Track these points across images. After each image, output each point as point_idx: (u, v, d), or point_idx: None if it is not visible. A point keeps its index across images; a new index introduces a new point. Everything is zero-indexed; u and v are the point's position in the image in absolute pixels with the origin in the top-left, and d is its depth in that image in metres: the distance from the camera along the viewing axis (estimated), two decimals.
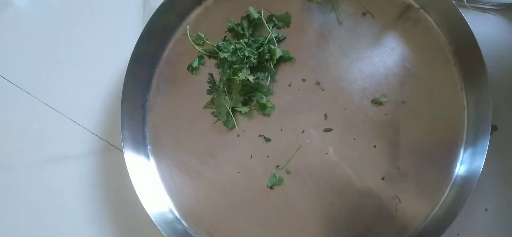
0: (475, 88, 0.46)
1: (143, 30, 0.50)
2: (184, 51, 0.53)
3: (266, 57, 0.49)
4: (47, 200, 0.53)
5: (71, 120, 0.55)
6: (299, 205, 0.47)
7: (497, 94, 0.47)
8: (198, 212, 0.49)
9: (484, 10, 0.50)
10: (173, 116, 0.52)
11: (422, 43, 0.49)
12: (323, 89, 0.49)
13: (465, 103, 0.47)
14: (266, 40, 0.50)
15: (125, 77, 0.50)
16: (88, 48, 0.57)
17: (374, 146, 0.48)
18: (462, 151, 0.47)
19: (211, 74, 0.51)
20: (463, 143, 0.47)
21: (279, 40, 0.51)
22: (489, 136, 0.43)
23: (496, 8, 0.50)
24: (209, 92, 0.51)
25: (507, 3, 0.50)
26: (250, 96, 0.50)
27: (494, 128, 0.48)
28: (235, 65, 0.48)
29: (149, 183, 0.49)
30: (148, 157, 0.51)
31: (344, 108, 0.49)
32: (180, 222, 0.49)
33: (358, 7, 0.51)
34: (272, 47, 0.49)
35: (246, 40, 0.50)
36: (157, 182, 0.50)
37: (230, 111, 0.49)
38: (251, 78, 0.48)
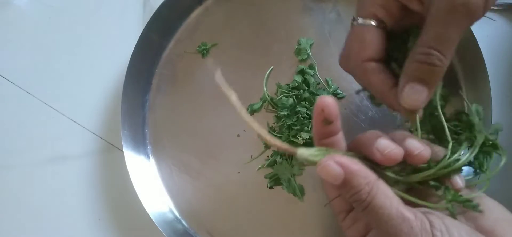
0: (475, 88, 0.46)
1: (143, 30, 0.51)
2: (184, 51, 0.53)
3: None
4: (47, 200, 0.53)
5: (71, 119, 0.55)
6: (299, 205, 0.47)
7: (497, 94, 0.47)
8: (198, 212, 0.49)
9: None
10: (173, 116, 0.52)
11: None
12: (323, 89, 0.49)
13: (465, 103, 0.47)
14: (330, 95, 0.46)
15: (125, 77, 0.50)
16: (88, 48, 0.57)
17: None
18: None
19: (271, 128, 0.48)
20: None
21: (339, 97, 0.48)
22: None
23: (497, 8, 0.50)
24: (267, 146, 0.48)
25: (507, 4, 0.50)
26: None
27: None
28: (296, 127, 0.45)
29: (149, 183, 0.49)
30: (148, 157, 0.51)
31: (344, 109, 0.49)
32: (180, 222, 0.49)
33: None
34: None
35: (304, 94, 0.47)
36: (157, 182, 0.50)
37: (292, 179, 0.46)
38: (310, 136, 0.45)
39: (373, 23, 0.34)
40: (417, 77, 0.31)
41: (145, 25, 0.51)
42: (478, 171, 0.34)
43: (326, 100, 0.30)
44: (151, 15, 0.51)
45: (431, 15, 0.30)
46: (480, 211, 0.30)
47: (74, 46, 0.58)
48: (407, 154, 0.30)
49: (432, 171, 0.31)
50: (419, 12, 0.32)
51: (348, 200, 0.30)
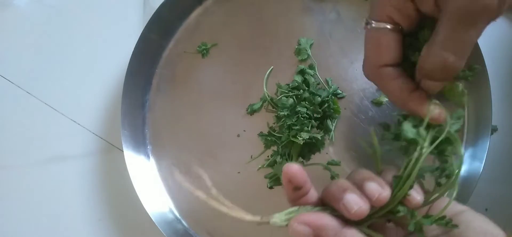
0: (475, 88, 0.46)
1: (143, 30, 0.51)
2: (184, 51, 0.53)
3: (327, 113, 0.47)
4: (47, 200, 0.53)
5: (71, 119, 0.55)
6: None
7: (497, 94, 0.47)
8: (198, 212, 0.49)
9: None
10: (173, 116, 0.52)
11: None
12: (323, 89, 0.49)
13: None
14: (330, 95, 0.47)
15: (125, 77, 0.50)
16: (88, 48, 0.57)
17: None
18: (462, 151, 0.46)
19: (271, 128, 0.48)
20: (463, 143, 0.47)
21: (339, 97, 0.49)
22: (489, 136, 0.43)
23: None
24: (267, 146, 0.48)
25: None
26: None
27: (494, 128, 0.48)
28: (296, 127, 0.45)
29: (149, 183, 0.49)
30: (148, 157, 0.51)
31: (344, 109, 0.49)
32: (180, 222, 0.49)
33: (359, 6, 0.51)
34: (336, 105, 0.47)
35: (304, 94, 0.47)
36: (157, 182, 0.50)
37: None
38: (311, 136, 0.45)
39: (388, 26, 0.32)
40: (430, 76, 0.31)
41: (145, 25, 0.51)
42: (438, 182, 0.31)
43: (292, 170, 0.30)
44: (151, 15, 0.51)
45: (445, 13, 0.28)
46: (455, 226, 0.29)
47: (74, 46, 0.58)
48: (368, 199, 0.29)
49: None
50: (433, 16, 0.31)
51: None
